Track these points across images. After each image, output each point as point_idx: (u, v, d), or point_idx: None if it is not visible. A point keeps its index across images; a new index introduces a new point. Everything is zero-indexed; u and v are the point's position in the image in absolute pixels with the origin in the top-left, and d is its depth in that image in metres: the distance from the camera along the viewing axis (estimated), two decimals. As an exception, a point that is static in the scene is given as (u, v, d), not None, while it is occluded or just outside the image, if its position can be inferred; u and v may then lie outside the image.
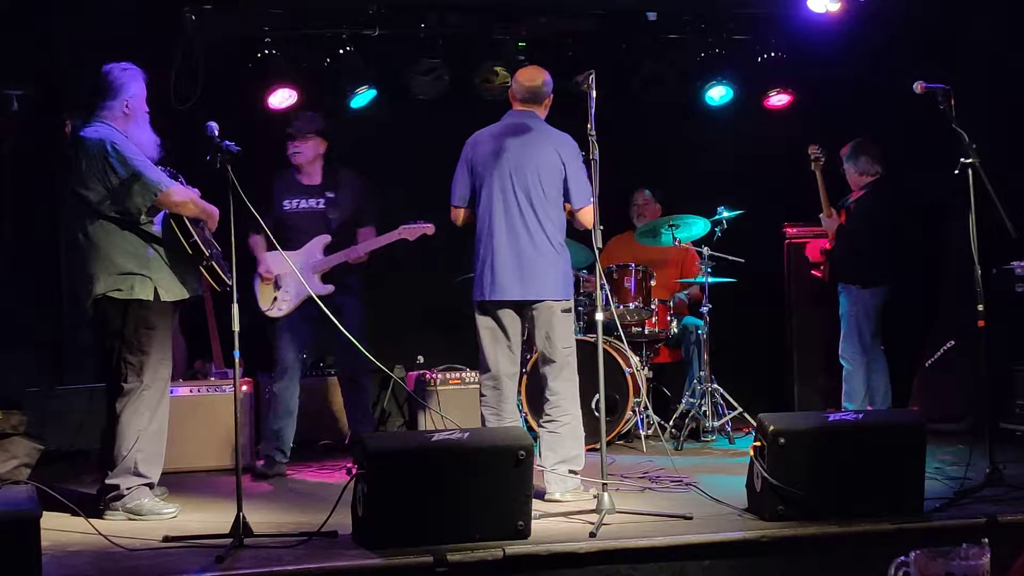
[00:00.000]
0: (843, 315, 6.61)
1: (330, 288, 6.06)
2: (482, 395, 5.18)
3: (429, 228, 6.19)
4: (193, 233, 4.84)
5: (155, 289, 4.82)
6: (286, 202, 6.15)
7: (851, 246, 6.61)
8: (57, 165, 6.15)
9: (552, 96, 5.25)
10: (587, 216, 5.06)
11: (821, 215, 6.76)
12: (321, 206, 6.18)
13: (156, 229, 4.87)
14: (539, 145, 5.06)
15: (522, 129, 5.12)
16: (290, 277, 6.02)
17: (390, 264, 6.44)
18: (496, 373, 5.13)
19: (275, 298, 6.09)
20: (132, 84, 4.94)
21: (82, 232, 4.82)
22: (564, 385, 5.06)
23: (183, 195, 4.85)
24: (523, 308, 5.09)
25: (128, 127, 4.90)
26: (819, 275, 6.98)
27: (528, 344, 5.68)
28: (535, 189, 5.03)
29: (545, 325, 5.05)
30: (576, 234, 5.42)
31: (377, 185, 6.56)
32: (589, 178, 4.83)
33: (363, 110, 7.26)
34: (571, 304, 5.16)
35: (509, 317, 5.11)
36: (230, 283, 4.54)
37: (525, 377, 6.48)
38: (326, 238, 6.13)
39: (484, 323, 5.13)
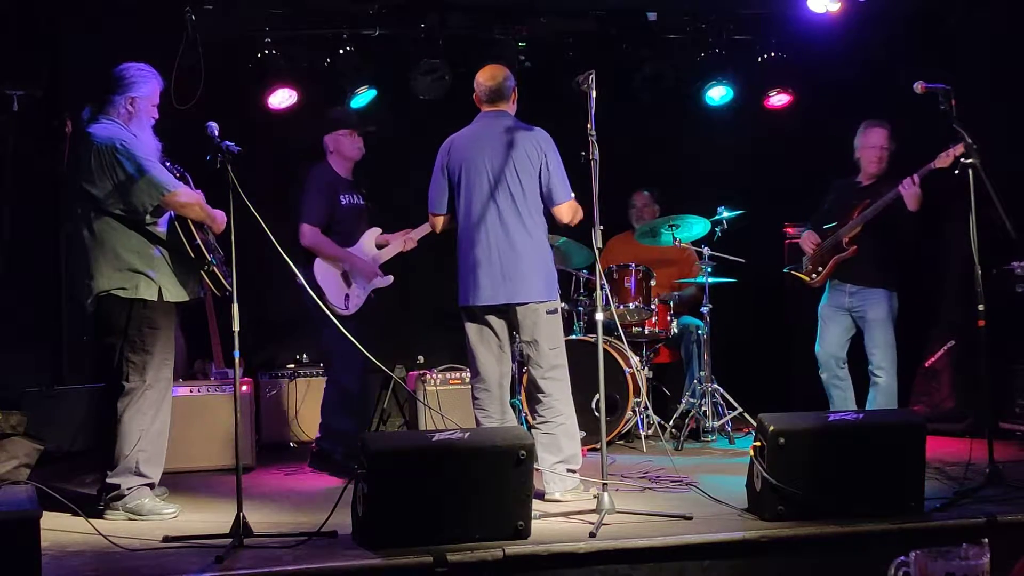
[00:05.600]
0: (876, 321, 6.09)
1: (391, 279, 6.23)
2: (475, 398, 5.17)
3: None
4: (196, 236, 4.82)
5: (159, 289, 4.82)
6: (343, 197, 6.14)
7: (892, 245, 6.16)
8: (58, 165, 6.15)
9: (517, 90, 5.24)
10: (567, 211, 5.06)
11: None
12: (362, 202, 6.28)
13: (160, 229, 4.85)
14: (514, 143, 5.04)
15: (496, 129, 5.10)
16: (359, 272, 6.10)
17: (389, 264, 6.43)
18: (486, 376, 5.12)
19: (347, 295, 6.06)
20: (142, 85, 4.90)
21: (87, 228, 4.80)
22: (555, 385, 5.04)
23: (189, 197, 4.83)
24: (508, 311, 5.08)
25: (131, 126, 4.87)
26: (802, 277, 6.44)
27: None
28: (514, 188, 5.01)
29: (530, 328, 5.03)
30: (576, 234, 5.42)
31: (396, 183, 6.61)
32: (589, 175, 4.78)
33: (363, 110, 7.27)
34: (556, 304, 5.11)
35: (496, 320, 5.10)
36: (229, 290, 4.53)
37: (524, 377, 6.48)
38: (378, 230, 6.26)
39: (472, 327, 5.13)
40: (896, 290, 6.17)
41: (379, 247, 6.27)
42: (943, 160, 5.67)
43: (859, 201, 6.17)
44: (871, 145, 6.26)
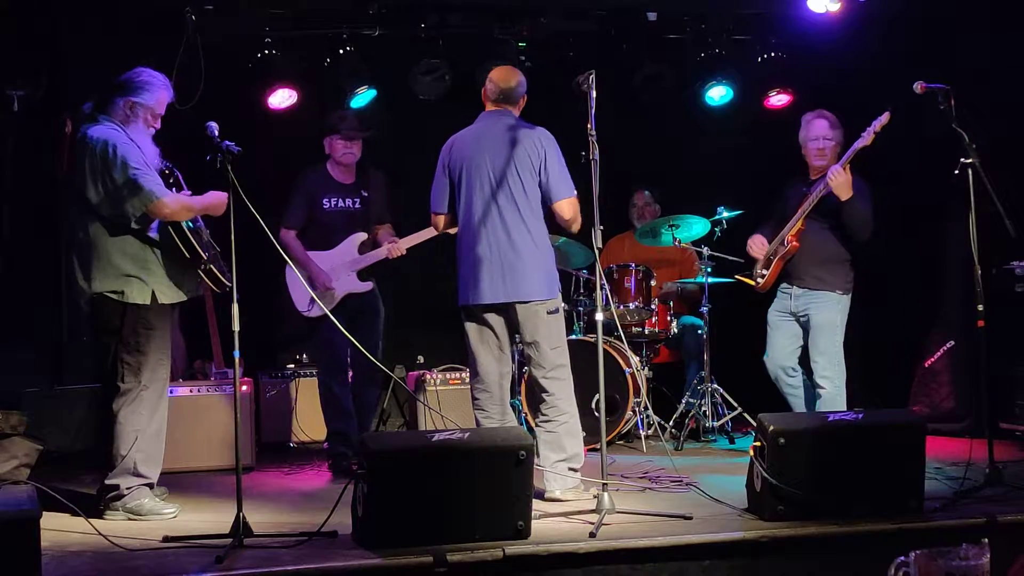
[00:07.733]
0: (821, 326, 5.87)
1: (369, 285, 6.19)
2: (474, 398, 5.16)
3: None
4: (190, 237, 4.81)
5: (152, 293, 4.80)
6: (325, 201, 6.13)
7: (841, 244, 5.93)
8: (57, 165, 6.15)
9: (526, 97, 5.23)
10: (568, 207, 5.04)
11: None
12: (357, 205, 6.21)
13: (152, 234, 4.83)
14: (515, 142, 5.03)
15: (498, 128, 5.09)
16: (333, 275, 6.09)
17: (389, 264, 6.45)
18: (486, 376, 5.11)
19: (311, 299, 5.99)
20: (147, 92, 4.86)
21: (82, 230, 4.80)
22: (557, 385, 5.03)
23: (175, 204, 4.77)
24: (508, 310, 5.07)
25: (128, 130, 4.83)
26: (748, 282, 6.26)
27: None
28: (515, 187, 5.00)
29: (531, 329, 5.02)
30: (576, 234, 5.41)
31: (396, 183, 6.59)
32: (589, 175, 4.77)
33: (363, 110, 7.27)
34: (557, 303, 5.09)
35: (495, 320, 5.09)
36: (229, 285, 4.52)
37: (525, 377, 6.49)
38: (363, 235, 6.21)
39: (471, 327, 5.12)
40: (848, 293, 5.93)
41: (364, 251, 6.21)
42: (867, 138, 5.57)
43: (806, 197, 5.97)
44: (812, 138, 6.10)
